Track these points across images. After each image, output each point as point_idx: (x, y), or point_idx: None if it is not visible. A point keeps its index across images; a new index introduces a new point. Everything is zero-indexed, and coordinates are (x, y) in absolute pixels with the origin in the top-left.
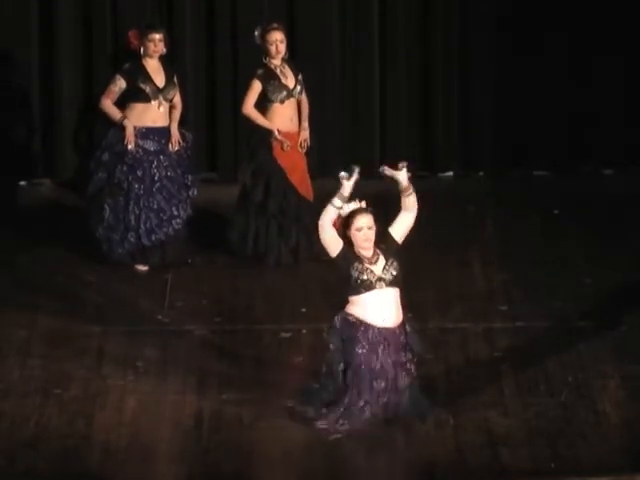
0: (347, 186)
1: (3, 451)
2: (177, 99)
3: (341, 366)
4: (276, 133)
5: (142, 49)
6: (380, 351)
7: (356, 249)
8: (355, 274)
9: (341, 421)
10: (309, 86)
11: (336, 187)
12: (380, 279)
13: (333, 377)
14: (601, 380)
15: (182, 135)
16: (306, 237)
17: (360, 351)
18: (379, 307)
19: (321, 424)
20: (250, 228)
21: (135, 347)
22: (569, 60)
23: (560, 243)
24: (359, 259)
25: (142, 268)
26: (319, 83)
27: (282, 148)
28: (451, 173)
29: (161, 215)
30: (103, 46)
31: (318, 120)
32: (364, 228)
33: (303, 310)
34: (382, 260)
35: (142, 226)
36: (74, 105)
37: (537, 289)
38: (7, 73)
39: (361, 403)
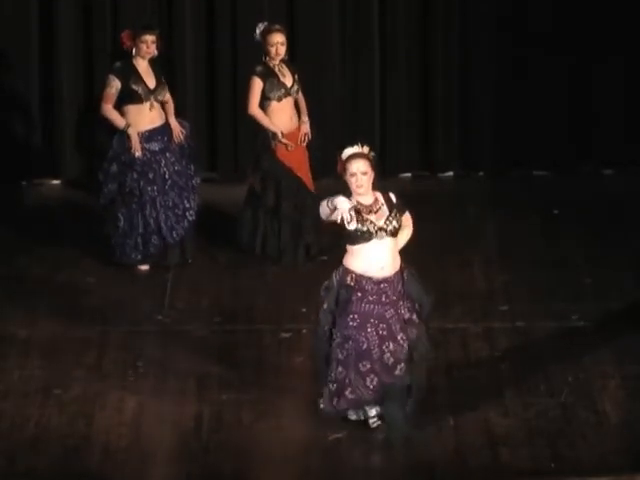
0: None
1: (3, 451)
2: (167, 96)
3: (327, 327)
4: (280, 135)
5: (134, 50)
6: (369, 326)
7: (354, 196)
8: (354, 226)
9: (335, 400)
10: (309, 86)
11: (336, 187)
12: (381, 229)
13: (319, 338)
14: (601, 380)
15: (181, 125)
16: (315, 231)
17: (351, 323)
18: (377, 257)
19: (321, 403)
20: (259, 228)
21: (135, 347)
22: (569, 60)
23: (560, 243)
24: (357, 210)
25: (142, 268)
26: (319, 83)
27: (286, 149)
28: (451, 173)
29: (177, 211)
30: (103, 46)
31: (318, 120)
32: (357, 174)
33: (303, 310)
34: (385, 210)
35: (164, 226)
36: (74, 105)
37: (537, 289)
38: (7, 73)
39: (346, 382)
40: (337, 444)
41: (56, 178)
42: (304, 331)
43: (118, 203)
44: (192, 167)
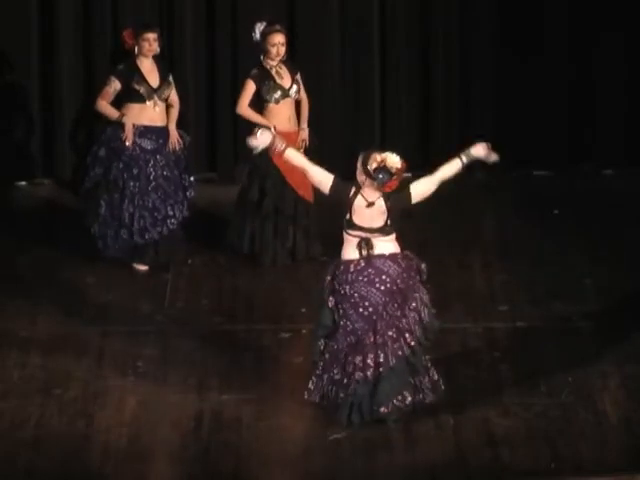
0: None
1: (3, 451)
2: (174, 97)
3: (331, 301)
4: (272, 130)
5: (137, 48)
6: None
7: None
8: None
9: (314, 392)
10: (309, 86)
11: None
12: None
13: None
14: (601, 380)
15: (180, 136)
16: (304, 238)
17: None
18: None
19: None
20: (246, 228)
21: (135, 347)
22: (569, 60)
23: (560, 243)
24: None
25: (142, 268)
26: (319, 83)
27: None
28: None
29: (155, 214)
30: (103, 46)
31: (318, 120)
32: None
33: (303, 310)
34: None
35: (135, 224)
36: (74, 105)
37: (537, 289)
38: (7, 73)
39: (332, 374)
40: (337, 444)
41: (56, 178)
42: (304, 331)
43: (101, 189)
44: (187, 179)
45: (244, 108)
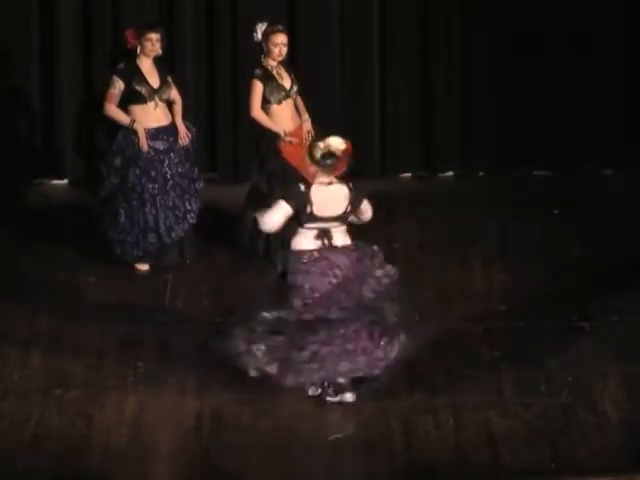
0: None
1: (3, 451)
2: (175, 94)
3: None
4: (283, 135)
5: (139, 48)
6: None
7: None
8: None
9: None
10: (309, 86)
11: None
12: None
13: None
14: (601, 380)
15: (187, 128)
16: None
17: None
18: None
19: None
20: (261, 232)
21: (135, 347)
22: (569, 60)
23: (560, 243)
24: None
25: (142, 268)
26: (319, 83)
27: (291, 144)
28: (451, 173)
29: (177, 212)
30: (103, 46)
31: (317, 120)
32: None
33: None
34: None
35: (162, 225)
36: (74, 105)
37: (537, 289)
38: (7, 73)
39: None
40: (337, 444)
41: (57, 178)
42: None
43: (119, 198)
44: (196, 170)
45: (258, 111)
